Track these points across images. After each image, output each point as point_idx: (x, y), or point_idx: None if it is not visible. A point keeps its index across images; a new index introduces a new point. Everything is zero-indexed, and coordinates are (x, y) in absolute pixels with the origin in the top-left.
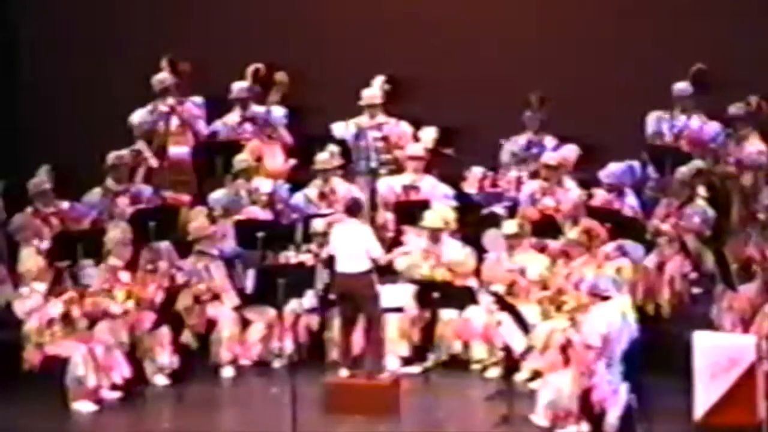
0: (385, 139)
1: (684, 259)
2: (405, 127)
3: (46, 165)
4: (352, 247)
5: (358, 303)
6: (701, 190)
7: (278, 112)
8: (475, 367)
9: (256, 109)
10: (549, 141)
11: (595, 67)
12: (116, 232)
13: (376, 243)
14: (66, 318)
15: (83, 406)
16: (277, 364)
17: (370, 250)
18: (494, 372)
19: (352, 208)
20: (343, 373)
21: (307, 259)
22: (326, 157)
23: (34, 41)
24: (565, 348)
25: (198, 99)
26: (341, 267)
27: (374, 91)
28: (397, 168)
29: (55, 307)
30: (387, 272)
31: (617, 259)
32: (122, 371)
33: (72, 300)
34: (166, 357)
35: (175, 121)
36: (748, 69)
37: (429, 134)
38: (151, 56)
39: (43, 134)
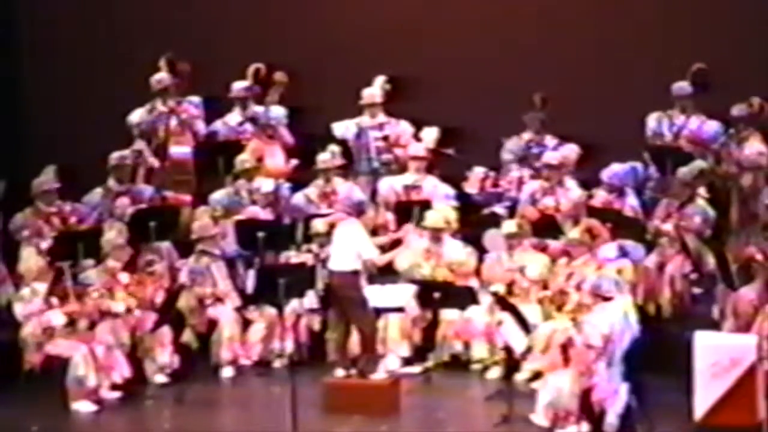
0: (385, 139)
1: (684, 259)
2: (406, 127)
3: (52, 165)
4: (345, 246)
5: (342, 302)
6: (702, 191)
7: (278, 111)
8: (476, 367)
9: (257, 108)
10: (549, 141)
11: (596, 67)
12: (112, 234)
13: (370, 244)
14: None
15: (83, 406)
16: (277, 364)
17: (363, 252)
18: (495, 372)
19: (354, 210)
20: (339, 373)
21: (308, 259)
22: (327, 156)
23: (34, 41)
24: (566, 348)
25: (196, 99)
26: (331, 264)
27: (375, 90)
28: (398, 168)
29: (57, 318)
30: (387, 272)
31: (618, 259)
32: (122, 371)
33: (74, 308)
34: (166, 356)
35: (174, 121)
36: (748, 69)
37: (430, 134)
38: (152, 56)
39: (44, 134)
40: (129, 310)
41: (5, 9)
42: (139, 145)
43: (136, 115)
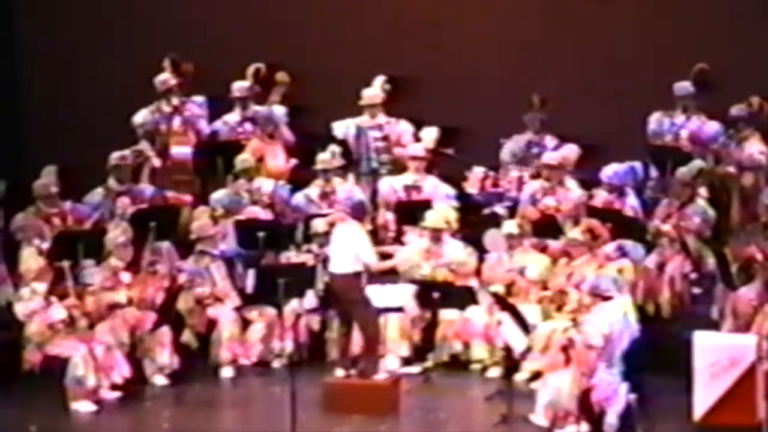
0: (385, 138)
1: (684, 259)
2: (406, 127)
3: (53, 165)
4: (344, 248)
5: (345, 304)
6: (702, 191)
7: (279, 110)
8: (476, 367)
9: (257, 108)
10: (549, 141)
11: (596, 68)
12: (117, 233)
13: (369, 248)
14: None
15: (83, 406)
16: (277, 364)
17: (361, 255)
18: (494, 372)
19: (356, 212)
20: (339, 373)
21: (308, 259)
22: (327, 156)
23: (34, 41)
24: (566, 348)
25: (199, 98)
26: (332, 266)
27: (375, 90)
28: (398, 168)
29: (58, 312)
30: (387, 272)
31: (618, 259)
32: (122, 371)
33: (73, 302)
34: (166, 357)
35: (177, 121)
36: (749, 69)
37: (430, 134)
38: (153, 56)
39: (44, 134)
40: (131, 302)
41: (5, 9)
42: (143, 145)
43: (141, 116)
